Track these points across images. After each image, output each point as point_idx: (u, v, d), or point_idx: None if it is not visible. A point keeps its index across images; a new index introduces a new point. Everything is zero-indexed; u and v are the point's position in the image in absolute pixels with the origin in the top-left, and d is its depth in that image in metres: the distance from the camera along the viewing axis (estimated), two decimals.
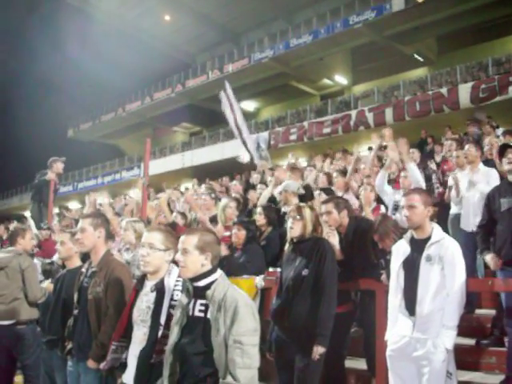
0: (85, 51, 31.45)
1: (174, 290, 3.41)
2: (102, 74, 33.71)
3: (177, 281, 3.44)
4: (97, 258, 4.13)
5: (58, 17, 31.01)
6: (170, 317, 3.31)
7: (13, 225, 8.30)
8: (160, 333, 3.33)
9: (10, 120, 33.46)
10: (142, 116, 39.10)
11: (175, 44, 37.83)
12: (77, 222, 5.19)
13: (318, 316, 3.94)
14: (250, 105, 37.38)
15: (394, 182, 7.43)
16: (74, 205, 31.96)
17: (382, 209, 6.79)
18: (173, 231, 3.87)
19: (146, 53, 34.74)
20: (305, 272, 4.07)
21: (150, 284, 3.49)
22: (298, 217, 4.25)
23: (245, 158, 7.87)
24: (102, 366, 3.66)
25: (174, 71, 36.62)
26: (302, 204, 4.49)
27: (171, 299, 3.37)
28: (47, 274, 6.24)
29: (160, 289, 3.42)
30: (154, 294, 3.43)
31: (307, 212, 4.27)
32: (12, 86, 31.08)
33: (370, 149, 14.26)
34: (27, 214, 10.91)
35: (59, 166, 9.33)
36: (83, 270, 4.28)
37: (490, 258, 4.60)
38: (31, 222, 9.12)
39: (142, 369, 3.33)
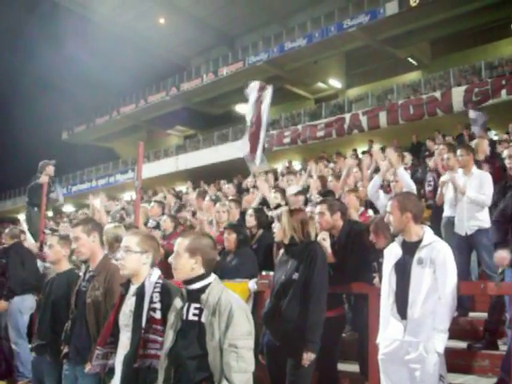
0: (79, 54, 31.39)
1: (153, 292, 3.41)
2: (97, 77, 33.64)
3: (156, 283, 3.45)
4: (95, 263, 4.15)
5: (52, 19, 30.97)
6: (150, 320, 3.32)
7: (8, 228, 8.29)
8: (141, 336, 3.33)
9: (3, 122, 33.37)
10: (136, 119, 39.07)
11: (170, 47, 37.84)
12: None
13: (308, 321, 3.94)
14: (244, 108, 37.35)
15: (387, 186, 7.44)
16: (68, 208, 31.90)
17: (370, 213, 6.79)
18: (151, 235, 3.88)
19: (141, 56, 34.71)
20: (295, 276, 4.06)
21: (133, 288, 3.50)
22: (277, 222, 4.31)
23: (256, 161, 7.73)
24: (87, 369, 3.68)
25: (168, 74, 36.62)
26: (282, 209, 4.49)
27: (150, 302, 3.38)
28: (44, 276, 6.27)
29: (140, 292, 3.43)
30: (134, 298, 3.44)
31: (284, 217, 4.28)
32: (5, 88, 31.02)
33: (363, 153, 14.31)
34: (21, 216, 10.87)
35: (50, 169, 9.33)
36: (81, 274, 4.29)
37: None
38: (25, 226, 9.07)
39: (127, 374, 3.32)
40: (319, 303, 4.01)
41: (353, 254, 4.70)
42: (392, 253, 3.93)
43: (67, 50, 30.71)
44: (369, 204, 7.22)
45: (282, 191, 7.30)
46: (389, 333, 3.82)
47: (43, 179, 8.95)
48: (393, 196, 4.36)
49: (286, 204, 6.48)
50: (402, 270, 3.79)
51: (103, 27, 31.90)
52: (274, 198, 7.04)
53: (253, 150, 7.29)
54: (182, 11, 33.39)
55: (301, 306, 4.00)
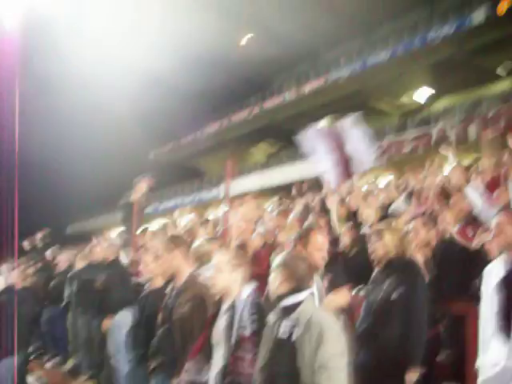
0: (165, 77, 32.39)
1: (243, 309, 3.43)
2: (182, 98, 34.65)
3: (247, 300, 3.48)
4: (181, 279, 4.20)
5: None
6: (241, 337, 3.35)
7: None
8: (231, 354, 3.36)
9: (98, 145, 34.84)
10: (220, 137, 39.74)
11: (252, 66, 38.26)
12: None
13: (409, 342, 3.82)
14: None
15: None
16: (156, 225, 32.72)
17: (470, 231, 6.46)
18: (242, 252, 3.91)
19: (224, 76, 35.43)
20: (394, 295, 3.97)
21: (225, 306, 3.55)
22: (377, 239, 4.20)
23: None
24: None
25: (251, 93, 37.16)
26: (381, 226, 4.40)
27: (241, 319, 3.40)
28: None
29: (231, 310, 3.47)
30: (227, 315, 3.48)
31: (387, 234, 4.19)
32: (97, 115, 32.44)
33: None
34: (112, 233, 11.20)
35: (142, 186, 9.42)
36: (168, 290, 4.36)
37: None
38: (118, 243, 9.30)
39: None
40: (422, 322, 3.90)
41: (448, 272, 4.54)
42: (494, 271, 3.72)
43: (153, 73, 31.75)
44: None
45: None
46: (490, 357, 3.61)
47: (134, 197, 9.11)
48: (501, 209, 4.13)
49: (381, 220, 6.35)
50: (507, 290, 3.59)
51: (187, 48, 32.69)
52: (368, 214, 6.87)
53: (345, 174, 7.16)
54: (262, 30, 33.75)
55: (401, 325, 3.89)
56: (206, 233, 9.63)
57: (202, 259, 5.26)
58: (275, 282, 3.13)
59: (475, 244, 4.97)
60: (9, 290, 7.15)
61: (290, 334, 2.99)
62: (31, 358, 9.52)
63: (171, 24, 30.62)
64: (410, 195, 8.37)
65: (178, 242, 4.37)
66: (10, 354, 5.50)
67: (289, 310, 3.04)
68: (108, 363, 6.88)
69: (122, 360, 6.76)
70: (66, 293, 8.93)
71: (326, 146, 6.97)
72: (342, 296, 3.90)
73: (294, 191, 13.02)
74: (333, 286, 4.08)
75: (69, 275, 8.97)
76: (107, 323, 6.96)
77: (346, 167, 6.93)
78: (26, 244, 10.88)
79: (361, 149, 6.90)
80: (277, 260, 3.19)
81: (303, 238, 4.02)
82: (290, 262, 3.14)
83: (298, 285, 3.10)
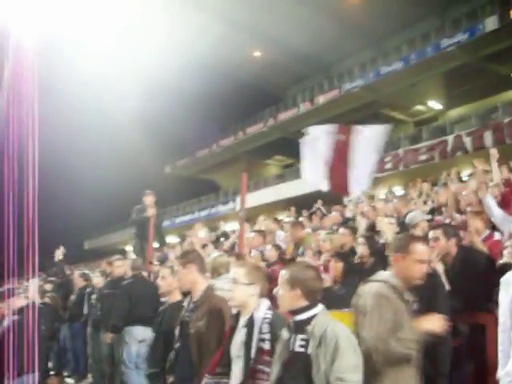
0: (178, 91, 32.57)
1: (262, 323, 3.42)
2: (197, 112, 34.80)
3: (265, 314, 3.47)
4: (197, 293, 4.19)
5: None
6: (259, 351, 3.34)
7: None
8: (250, 367, 3.34)
9: (110, 158, 35.07)
10: (235, 150, 39.89)
11: (266, 78, 38.44)
12: None
13: (435, 354, 3.76)
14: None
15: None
16: (172, 239, 32.86)
17: (497, 236, 6.35)
18: (258, 266, 3.89)
19: (238, 88, 35.51)
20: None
21: (243, 320, 3.54)
22: None
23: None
24: None
25: (265, 105, 37.30)
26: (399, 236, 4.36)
27: (260, 332, 3.39)
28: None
29: (250, 323, 3.46)
30: (245, 329, 3.46)
31: None
32: (108, 128, 32.64)
33: (470, 175, 13.64)
34: (128, 248, 11.23)
35: (149, 199, 9.36)
36: (184, 304, 4.36)
37: None
38: (133, 257, 9.32)
39: None
40: (446, 335, 3.83)
41: (468, 282, 4.46)
42: (510, 281, 3.67)
43: (166, 87, 31.95)
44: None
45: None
46: (511, 368, 3.55)
47: (150, 212, 9.09)
48: None
49: (400, 231, 6.29)
50: None
51: (200, 61, 32.87)
52: (388, 224, 6.77)
53: (337, 185, 7.00)
54: (275, 43, 33.89)
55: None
56: (222, 245, 9.70)
57: (219, 270, 5.26)
58: (287, 297, 3.10)
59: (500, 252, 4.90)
60: (28, 306, 7.19)
61: (305, 348, 2.96)
62: (51, 374, 9.57)
63: (185, 36, 30.88)
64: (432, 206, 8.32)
65: (192, 256, 4.35)
66: (29, 370, 5.49)
67: (303, 324, 3.01)
68: (122, 378, 6.90)
69: (131, 375, 6.73)
70: (86, 308, 8.96)
71: (322, 153, 6.58)
72: (438, 322, 3.44)
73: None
74: (427, 309, 3.68)
75: (88, 291, 8.99)
76: (107, 337, 6.97)
77: (340, 183, 6.64)
78: (44, 260, 10.96)
79: (363, 166, 6.53)
80: (287, 273, 3.13)
81: (402, 248, 3.51)
82: (300, 276, 3.10)
83: (311, 298, 3.08)
